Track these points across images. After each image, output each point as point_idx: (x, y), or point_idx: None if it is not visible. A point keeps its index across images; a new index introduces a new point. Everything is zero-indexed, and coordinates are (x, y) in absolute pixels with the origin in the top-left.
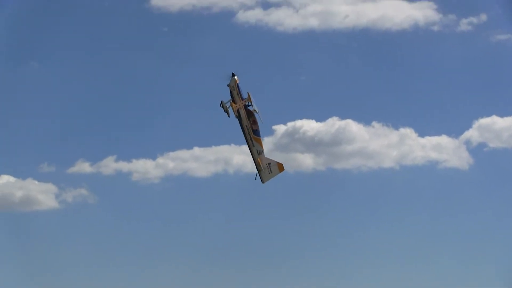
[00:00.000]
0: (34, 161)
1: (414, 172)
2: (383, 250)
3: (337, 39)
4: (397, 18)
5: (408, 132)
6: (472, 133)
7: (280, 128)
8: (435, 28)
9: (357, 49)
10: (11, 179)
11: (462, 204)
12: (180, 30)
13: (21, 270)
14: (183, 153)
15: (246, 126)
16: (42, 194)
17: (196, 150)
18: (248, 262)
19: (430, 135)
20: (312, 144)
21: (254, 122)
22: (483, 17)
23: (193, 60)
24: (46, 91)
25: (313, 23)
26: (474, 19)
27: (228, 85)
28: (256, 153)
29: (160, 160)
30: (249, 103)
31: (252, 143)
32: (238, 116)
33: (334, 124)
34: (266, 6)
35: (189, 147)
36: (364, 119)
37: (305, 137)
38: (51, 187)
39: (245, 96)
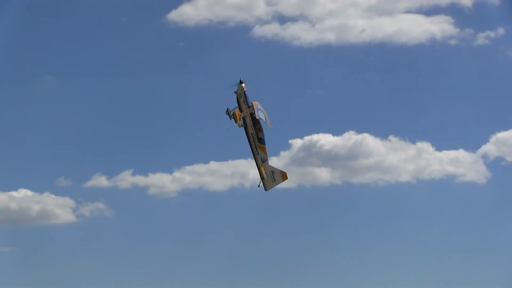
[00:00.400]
0: (51, 175)
1: (431, 186)
2: (400, 265)
3: (354, 53)
4: (414, 32)
5: (425, 146)
6: (489, 147)
7: (297, 142)
8: (452, 42)
9: (373, 63)
10: (28, 193)
11: (479, 219)
12: (196, 45)
13: (39, 284)
14: (199, 167)
15: (252, 133)
16: (59, 208)
17: (213, 164)
18: (264, 277)
19: (447, 149)
20: (329, 158)
21: (260, 130)
22: (500, 31)
23: (209, 75)
24: (62, 105)
25: (330, 37)
26: (491, 33)
27: (235, 92)
28: (260, 161)
29: (176, 174)
30: (253, 112)
31: (257, 150)
32: (244, 124)
33: (350, 138)
34: (282, 21)
35: (206, 161)
36: (381, 133)
37: (321, 151)
38: (68, 201)
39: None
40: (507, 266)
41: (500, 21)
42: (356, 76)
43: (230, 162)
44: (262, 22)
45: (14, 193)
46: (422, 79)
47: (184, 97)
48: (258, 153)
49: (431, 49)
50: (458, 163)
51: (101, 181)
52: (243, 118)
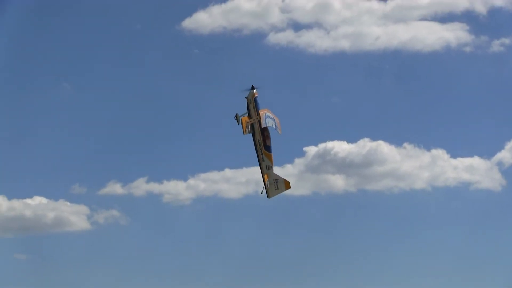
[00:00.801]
0: (66, 183)
1: (446, 193)
2: (415, 272)
3: (368, 60)
4: (429, 40)
5: (440, 153)
6: (504, 155)
7: (311, 150)
8: (467, 49)
9: (388, 70)
10: (43, 200)
11: (495, 226)
12: (211, 52)
13: None
14: (214, 175)
15: (259, 140)
16: (74, 216)
17: (227, 172)
18: (278, 284)
19: (462, 156)
20: (343, 166)
21: (267, 137)
22: None
23: (224, 82)
24: (77, 112)
25: (344, 44)
26: (506, 40)
27: (246, 98)
28: (265, 168)
29: (191, 181)
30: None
31: (262, 158)
32: (252, 130)
33: (365, 145)
34: (297, 28)
35: (220, 168)
36: (396, 140)
37: (336, 158)
38: (83, 208)
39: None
40: None
41: None
42: (371, 83)
43: (245, 170)
44: (277, 29)
45: (29, 201)
46: (437, 86)
47: (198, 104)
48: (263, 160)
49: (446, 56)
50: (473, 170)
51: (115, 188)
52: (252, 125)
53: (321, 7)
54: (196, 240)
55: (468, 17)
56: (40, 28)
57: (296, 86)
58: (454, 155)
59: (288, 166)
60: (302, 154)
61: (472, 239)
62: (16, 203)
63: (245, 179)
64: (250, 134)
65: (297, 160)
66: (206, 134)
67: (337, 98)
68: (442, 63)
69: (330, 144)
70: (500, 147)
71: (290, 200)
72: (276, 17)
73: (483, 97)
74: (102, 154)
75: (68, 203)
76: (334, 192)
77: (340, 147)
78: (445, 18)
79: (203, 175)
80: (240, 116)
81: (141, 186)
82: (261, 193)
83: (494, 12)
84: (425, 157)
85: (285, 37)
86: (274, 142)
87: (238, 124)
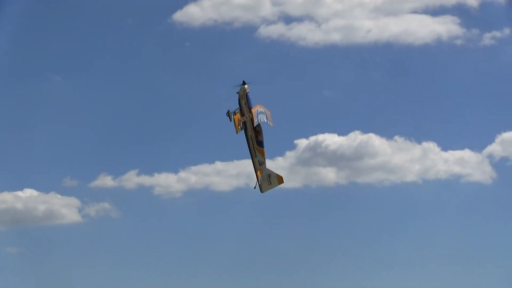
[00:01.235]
0: (57, 175)
1: (437, 186)
2: (406, 265)
3: (360, 53)
4: (420, 33)
5: (431, 146)
6: (495, 147)
7: (302, 143)
8: (458, 42)
9: (379, 63)
10: (34, 193)
11: (485, 218)
12: (202, 45)
13: (44, 284)
14: (205, 167)
15: (251, 136)
16: (65, 208)
17: (218, 164)
18: (269, 276)
19: (453, 149)
20: (334, 158)
21: (259, 133)
22: (507, 31)
23: (215, 75)
24: (69, 105)
25: (335, 37)
26: (497, 33)
27: (237, 93)
28: (258, 163)
29: (182, 174)
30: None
31: (255, 153)
32: (244, 126)
33: (356, 138)
34: (288, 21)
35: (211, 161)
36: (387, 133)
37: (327, 151)
38: (74, 201)
39: (254, 105)
40: None
41: (506, 21)
42: (362, 76)
43: (236, 162)
44: (268, 22)
45: (19, 193)
46: (428, 79)
47: (189, 97)
48: (256, 156)
49: (437, 49)
50: (464, 163)
51: (106, 181)
52: (243, 122)
53: (312, 0)
54: (187, 233)
55: (459, 10)
56: (31, 21)
57: (287, 79)
58: (445, 148)
59: (279, 159)
60: (293, 147)
61: (463, 232)
62: (7, 196)
63: (236, 172)
64: (242, 130)
65: (288, 153)
66: (197, 126)
67: (328, 91)
68: (434, 56)
69: (321, 137)
70: (491, 140)
71: (281, 192)
72: (267, 10)
73: (474, 90)
74: (93, 147)
75: (59, 196)
76: (325, 184)
77: (331, 140)
78: (436, 11)
79: (194, 168)
80: (232, 112)
81: (132, 179)
82: (254, 188)
83: (485, 5)
84: (416, 150)
85: (276, 30)
86: (265, 135)
87: (230, 121)
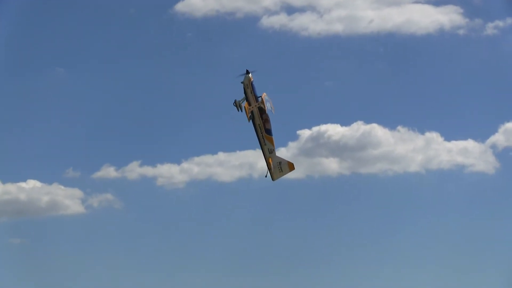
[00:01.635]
0: (60, 167)
1: (440, 176)
2: (409, 255)
3: (362, 44)
4: (423, 23)
5: (434, 136)
6: (498, 137)
7: (305, 133)
8: (461, 32)
9: (382, 53)
10: (37, 184)
11: (488, 208)
12: (204, 35)
13: (47, 274)
14: (207, 158)
15: (259, 124)
16: (68, 199)
17: (221, 155)
18: (272, 266)
19: (456, 139)
20: (337, 149)
21: (267, 121)
22: (509, 21)
23: (217, 65)
24: (72, 97)
25: (338, 28)
26: (500, 23)
27: (242, 83)
28: (268, 151)
29: (184, 165)
30: (262, 107)
31: (264, 141)
32: (252, 116)
33: (359, 128)
34: (290, 11)
35: (214, 152)
36: (390, 124)
37: (330, 141)
38: (77, 192)
39: (259, 94)
40: None
41: (509, 11)
42: (364, 66)
43: (238, 153)
44: (270, 13)
45: (23, 184)
46: (431, 69)
47: (192, 88)
48: (265, 144)
49: (439, 39)
50: (467, 153)
51: (109, 172)
52: (251, 112)
53: None
54: (190, 223)
55: (462, 0)
56: (34, 14)
57: (289, 69)
58: (448, 138)
59: (282, 149)
60: (295, 137)
61: (466, 222)
62: (10, 187)
63: (238, 163)
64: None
65: (290, 144)
66: (199, 117)
67: (331, 81)
68: (436, 46)
69: (323, 127)
70: (494, 130)
71: (284, 183)
72: (269, 0)
73: (477, 80)
74: (95, 138)
75: (62, 187)
76: (328, 175)
77: (334, 130)
78: (439, 1)
79: (196, 159)
80: (239, 101)
81: (135, 170)
82: (265, 176)
83: None
84: (419, 140)
85: (278, 21)
86: None
87: (238, 111)
